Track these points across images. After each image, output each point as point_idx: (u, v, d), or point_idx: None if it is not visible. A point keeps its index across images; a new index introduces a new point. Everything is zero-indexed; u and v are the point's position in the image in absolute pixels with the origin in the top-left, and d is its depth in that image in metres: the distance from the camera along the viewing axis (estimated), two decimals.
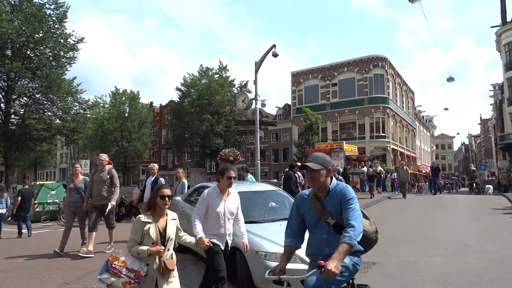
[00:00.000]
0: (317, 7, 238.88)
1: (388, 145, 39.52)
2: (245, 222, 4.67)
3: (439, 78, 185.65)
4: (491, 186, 24.12)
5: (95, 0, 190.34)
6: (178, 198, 7.87)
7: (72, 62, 23.86)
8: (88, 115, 31.37)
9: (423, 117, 64.81)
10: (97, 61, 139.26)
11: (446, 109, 63.63)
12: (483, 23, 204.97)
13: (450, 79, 25.64)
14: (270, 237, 4.77)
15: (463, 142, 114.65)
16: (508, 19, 35.55)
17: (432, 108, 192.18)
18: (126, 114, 43.89)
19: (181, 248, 6.54)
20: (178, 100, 40.71)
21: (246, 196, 5.99)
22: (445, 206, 15.29)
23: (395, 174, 22.60)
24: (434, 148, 80.00)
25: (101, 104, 44.10)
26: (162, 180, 9.45)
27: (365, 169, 21.43)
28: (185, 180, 9.49)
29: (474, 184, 21.82)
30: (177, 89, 39.56)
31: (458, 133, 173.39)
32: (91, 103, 29.87)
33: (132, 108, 44.21)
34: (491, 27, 38.07)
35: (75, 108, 24.98)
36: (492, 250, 7.15)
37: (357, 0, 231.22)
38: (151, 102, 56.96)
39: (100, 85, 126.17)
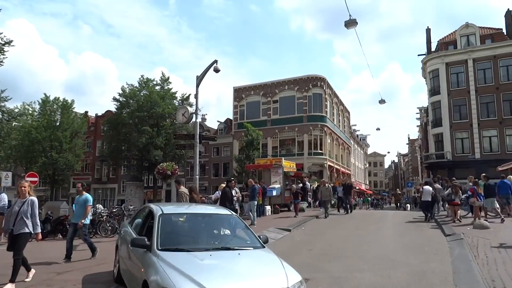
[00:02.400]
0: (258, 26, 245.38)
1: (325, 161, 41.03)
2: (171, 250, 4.37)
3: (371, 99, 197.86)
4: (408, 205, 32.43)
5: (27, 1, 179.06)
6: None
7: None
8: (14, 123, 29.02)
9: (357, 135, 68.35)
10: (25, 65, 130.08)
11: (378, 129, 68.42)
12: (409, 50, 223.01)
13: (382, 101, 27.28)
14: (192, 272, 3.76)
15: (393, 160, 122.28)
16: (433, 49, 39.04)
17: (365, 128, 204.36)
18: (57, 123, 41.21)
19: None
20: (116, 110, 39.13)
21: (186, 218, 5.51)
22: (376, 222, 16.09)
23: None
24: (367, 165, 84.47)
25: (29, 112, 41.02)
26: (90, 198, 9.03)
27: (308, 185, 22.08)
28: (34, 198, 6.54)
29: (399, 203, 32.83)
30: (115, 99, 38.06)
31: (388, 152, 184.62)
32: (17, 111, 27.67)
33: (64, 117, 41.64)
34: (418, 55, 41.58)
35: None
36: (416, 264, 7.60)
37: (295, 22, 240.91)
38: (86, 112, 54.13)
39: (29, 91, 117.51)
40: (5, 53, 22.11)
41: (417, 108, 53.32)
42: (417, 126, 61.97)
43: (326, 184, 18.69)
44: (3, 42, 21.91)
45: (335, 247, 10.08)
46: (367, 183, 78.22)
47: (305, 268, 7.59)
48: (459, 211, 13.75)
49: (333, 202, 21.46)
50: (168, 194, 48.91)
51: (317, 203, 21.87)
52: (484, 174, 14.67)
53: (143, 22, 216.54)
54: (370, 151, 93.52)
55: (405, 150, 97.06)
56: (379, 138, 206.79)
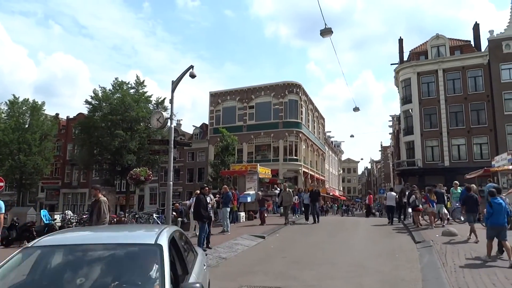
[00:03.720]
0: (234, 31, 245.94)
1: (300, 168, 41.35)
2: None
3: (345, 106, 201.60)
4: (377, 213, 33.14)
5: None
6: None
7: None
8: None
9: (332, 142, 69.30)
10: None
11: (352, 136, 69.39)
12: (381, 59, 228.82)
13: (356, 109, 27.75)
14: None
15: (366, 167, 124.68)
16: (405, 59, 40.17)
17: (340, 134, 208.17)
18: (26, 125, 39.86)
19: None
20: (88, 113, 38.16)
21: (67, 254, 3.29)
22: (348, 229, 16.29)
23: (296, 197, 20.61)
24: (341, 171, 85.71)
25: None
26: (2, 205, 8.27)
27: (277, 191, 21.93)
28: None
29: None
30: (87, 102, 37.11)
31: (362, 159, 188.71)
32: None
33: (33, 119, 40.31)
34: (391, 64, 42.73)
35: None
36: (387, 271, 7.72)
37: (270, 28, 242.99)
38: (57, 114, 52.62)
39: None
40: None
41: (390, 115, 54.70)
42: (390, 133, 63.51)
43: (287, 189, 17.79)
44: None
45: (308, 254, 10.12)
46: (341, 189, 79.33)
47: (278, 276, 7.58)
48: (420, 217, 14.63)
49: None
50: (141, 200, 48.08)
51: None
52: (456, 181, 15.34)
53: (118, 24, 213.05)
54: (344, 157, 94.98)
55: (378, 157, 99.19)
56: (353, 144, 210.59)
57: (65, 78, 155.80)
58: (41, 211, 16.83)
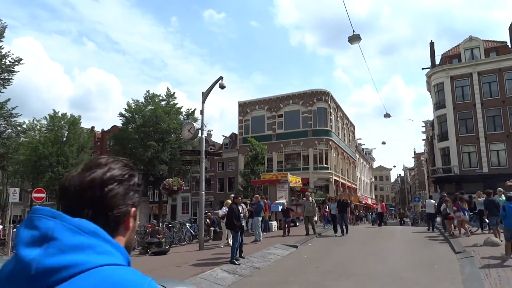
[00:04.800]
0: (260, 42, 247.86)
1: (331, 176, 40.83)
2: None
3: (374, 113, 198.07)
4: (409, 220, 36.34)
5: (33, 19, 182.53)
6: None
7: (6, 84, 22.36)
8: (22, 139, 29.30)
9: (362, 149, 68.11)
10: (32, 82, 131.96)
11: (383, 143, 67.92)
12: (411, 64, 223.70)
13: (387, 115, 27.19)
14: None
15: (399, 174, 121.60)
16: (437, 62, 39.14)
17: (370, 141, 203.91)
18: (64, 139, 41.53)
19: None
20: (122, 125, 39.40)
21: None
22: (384, 238, 15.90)
23: (327, 206, 19.88)
24: (373, 179, 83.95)
25: (37, 128, 41.45)
26: None
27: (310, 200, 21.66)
28: None
29: (402, 220, 36.23)
30: (121, 114, 38.37)
31: (394, 166, 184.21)
32: (25, 126, 27.98)
33: (71, 132, 41.98)
34: (422, 68, 41.75)
35: (7, 131, 23.25)
36: (426, 283, 7.46)
37: (295, 37, 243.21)
38: (93, 127, 54.59)
39: (35, 107, 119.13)
40: (15, 72, 22.49)
41: (423, 121, 53.20)
42: (423, 139, 61.75)
43: (310, 198, 16.94)
44: (13, 61, 22.31)
45: (343, 264, 9.95)
46: (374, 197, 77.61)
47: (313, 286, 7.50)
48: (466, 225, 14.15)
49: (315, 219, 20.59)
50: (173, 209, 48.86)
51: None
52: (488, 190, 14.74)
53: (148, 38, 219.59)
54: (375, 165, 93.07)
55: (411, 164, 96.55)
56: (385, 152, 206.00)
57: (99, 92, 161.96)
58: None
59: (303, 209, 16.87)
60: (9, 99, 23.27)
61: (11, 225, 19.47)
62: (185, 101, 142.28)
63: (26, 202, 47.93)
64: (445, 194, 16.50)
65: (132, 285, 0.76)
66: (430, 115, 55.70)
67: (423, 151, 69.52)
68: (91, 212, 0.85)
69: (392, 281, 7.69)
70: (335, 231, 16.86)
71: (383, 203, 29.29)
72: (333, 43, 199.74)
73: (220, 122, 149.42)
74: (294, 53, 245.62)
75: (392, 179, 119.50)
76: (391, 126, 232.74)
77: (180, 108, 39.02)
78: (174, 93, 39.30)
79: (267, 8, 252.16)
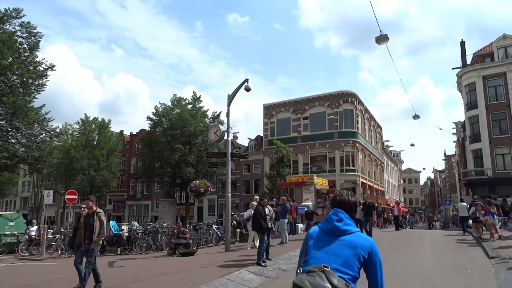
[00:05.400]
0: (284, 44, 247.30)
1: (358, 178, 40.24)
2: None
3: (402, 114, 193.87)
4: (439, 224, 35.63)
5: (65, 28, 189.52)
6: None
7: (40, 89, 23.33)
8: (55, 143, 30.42)
9: (390, 151, 66.79)
10: (63, 88, 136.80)
11: (412, 144, 65.91)
12: (440, 64, 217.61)
13: (416, 117, 26.60)
14: None
15: (429, 177, 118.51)
16: (468, 62, 37.94)
17: (398, 143, 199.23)
18: (95, 142, 42.86)
19: None
20: (150, 129, 40.27)
21: None
22: (412, 242, 15.53)
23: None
24: (402, 182, 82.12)
25: (70, 132, 42.98)
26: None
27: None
28: None
29: (431, 224, 35.09)
30: (149, 118, 39.21)
31: (424, 168, 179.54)
32: (58, 131, 29.05)
33: (101, 136, 43.27)
34: (453, 68, 40.46)
35: (42, 136, 24.21)
36: None
37: (320, 39, 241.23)
38: (121, 131, 56.04)
39: (67, 112, 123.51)
40: (48, 77, 23.43)
41: (453, 122, 51.59)
42: (454, 141, 59.89)
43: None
44: (46, 67, 23.24)
45: None
46: (402, 200, 75.89)
47: None
48: (480, 229, 14.55)
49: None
50: (200, 211, 49.40)
51: None
52: None
53: (174, 43, 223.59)
54: (404, 167, 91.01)
55: (441, 166, 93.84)
56: (414, 154, 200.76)
57: (127, 96, 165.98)
58: (110, 221, 17.89)
59: (327, 212, 16.29)
60: (43, 105, 24.26)
61: (46, 225, 20.24)
62: (211, 104, 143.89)
63: (59, 203, 49.66)
64: (476, 197, 16.09)
65: (369, 239, 2.32)
66: (461, 116, 54.12)
67: (454, 153, 67.46)
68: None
69: (423, 286, 7.51)
70: None
71: (400, 206, 27.58)
72: (358, 44, 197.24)
73: (245, 125, 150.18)
74: (318, 55, 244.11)
75: (422, 182, 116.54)
76: (420, 127, 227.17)
77: (206, 111, 39.49)
78: (199, 96, 39.85)
79: (291, 10, 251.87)
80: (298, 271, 2.25)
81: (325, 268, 2.12)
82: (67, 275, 10.11)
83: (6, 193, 52.92)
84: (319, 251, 2.26)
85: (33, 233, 19.43)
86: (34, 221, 22.45)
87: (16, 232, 17.09)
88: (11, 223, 17.55)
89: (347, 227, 2.29)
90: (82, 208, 8.01)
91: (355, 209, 2.54)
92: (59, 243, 16.89)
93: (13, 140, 23.69)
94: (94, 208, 7.54)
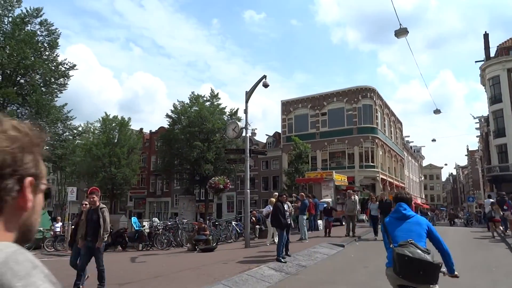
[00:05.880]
0: (301, 40, 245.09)
1: (377, 174, 39.73)
2: None
3: (422, 109, 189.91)
4: (461, 221, 35.80)
5: (85, 28, 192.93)
6: None
7: (63, 89, 23.88)
8: (78, 141, 31.08)
9: (411, 147, 65.65)
10: (84, 87, 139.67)
11: (433, 140, 64.62)
12: (462, 57, 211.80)
13: (437, 111, 26.02)
14: None
15: (451, 173, 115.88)
16: (491, 55, 36.88)
17: (419, 139, 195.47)
18: (115, 140, 43.57)
19: None
20: (168, 126, 40.69)
21: None
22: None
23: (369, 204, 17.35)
24: (423, 178, 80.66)
25: (91, 130, 43.83)
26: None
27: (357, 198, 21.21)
28: None
29: (453, 221, 36.03)
30: (167, 116, 39.63)
31: (446, 164, 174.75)
32: (81, 129, 29.68)
33: (121, 134, 43.96)
34: (476, 61, 39.48)
35: (65, 134, 24.80)
36: (483, 286, 7.10)
37: (337, 34, 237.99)
38: (141, 129, 56.82)
39: (87, 111, 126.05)
40: (70, 77, 23.97)
41: (476, 117, 50.24)
42: (477, 136, 58.34)
43: (352, 197, 15.78)
44: (68, 67, 23.77)
45: None
46: (423, 197, 74.60)
47: (361, 286, 7.37)
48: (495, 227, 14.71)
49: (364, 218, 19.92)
50: (219, 207, 49.73)
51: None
52: None
53: (192, 41, 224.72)
54: (425, 163, 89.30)
55: (464, 162, 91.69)
56: (435, 149, 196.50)
57: (146, 95, 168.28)
58: (132, 218, 18.24)
59: (345, 208, 16.16)
60: (65, 104, 24.81)
61: (70, 222, 20.75)
62: (228, 101, 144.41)
63: (82, 200, 50.70)
64: (504, 193, 15.83)
65: (425, 219, 3.74)
66: (484, 110, 52.76)
67: (477, 148, 65.78)
68: None
69: (447, 283, 7.37)
70: (375, 233, 14.89)
71: (413, 203, 27.17)
72: (376, 39, 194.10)
73: (263, 122, 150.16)
74: (336, 50, 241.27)
75: (443, 178, 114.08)
76: (441, 122, 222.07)
77: (223, 108, 39.63)
78: (217, 93, 40.01)
79: (307, 6, 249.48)
80: (392, 246, 3.41)
81: (411, 241, 3.27)
82: (91, 269, 10.36)
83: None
84: (398, 231, 3.52)
85: (58, 229, 19.98)
86: (59, 217, 23.07)
87: (41, 229, 17.55)
88: None
89: (410, 213, 3.63)
90: (84, 205, 7.61)
91: (411, 201, 3.87)
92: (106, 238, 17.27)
93: None
94: (98, 203, 7.10)
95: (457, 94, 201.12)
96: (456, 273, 3.52)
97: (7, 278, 0.64)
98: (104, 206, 7.14)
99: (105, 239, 6.97)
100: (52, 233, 19.57)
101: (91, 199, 7.09)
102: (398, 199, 3.77)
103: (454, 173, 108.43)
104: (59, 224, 20.62)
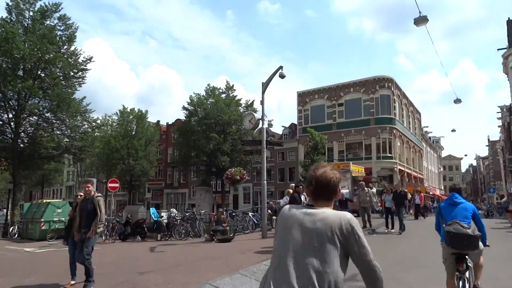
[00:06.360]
0: (316, 30, 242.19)
1: (395, 165, 39.27)
2: None
3: (441, 99, 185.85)
4: (482, 212, 35.25)
5: (100, 21, 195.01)
6: None
7: (81, 82, 24.29)
8: (96, 133, 31.63)
9: (429, 138, 64.55)
10: (101, 80, 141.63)
11: (453, 130, 63.06)
12: (482, 46, 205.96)
13: (457, 101, 25.41)
14: None
15: (471, 164, 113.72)
16: None
17: (438, 129, 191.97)
18: (133, 132, 44.20)
19: None
20: (185, 119, 41.02)
21: None
22: None
23: (383, 196, 17.14)
24: (442, 169, 79.32)
25: (109, 123, 44.52)
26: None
27: (374, 190, 20.97)
28: None
29: None
30: (184, 108, 39.92)
31: (466, 155, 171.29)
32: (99, 122, 30.16)
33: (139, 126, 44.55)
34: (498, 49, 38.20)
35: (84, 127, 25.27)
36: (504, 277, 6.99)
37: (353, 23, 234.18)
38: (158, 121, 57.38)
39: (105, 104, 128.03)
40: (88, 70, 24.33)
41: (498, 107, 48.90)
42: (499, 126, 56.89)
43: (366, 188, 15.35)
44: (85, 59, 24.12)
45: (413, 256, 9.60)
46: (442, 188, 73.44)
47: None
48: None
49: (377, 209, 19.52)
50: (235, 199, 50.07)
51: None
52: None
53: (207, 34, 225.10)
54: (444, 154, 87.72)
55: (484, 152, 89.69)
56: (454, 140, 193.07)
57: (162, 87, 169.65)
58: (150, 209, 18.54)
59: (358, 199, 15.54)
60: (84, 97, 25.27)
61: None
62: (243, 93, 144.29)
63: (102, 192, 51.55)
64: None
65: (472, 205, 4.91)
66: (506, 99, 51.35)
67: (498, 138, 64.19)
68: None
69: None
70: (387, 226, 14.65)
71: (422, 194, 24.91)
72: (393, 28, 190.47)
73: (279, 113, 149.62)
74: (352, 40, 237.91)
75: (463, 169, 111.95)
76: (461, 112, 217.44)
77: (239, 100, 39.68)
78: (233, 85, 40.06)
79: None
80: (443, 226, 4.56)
81: (456, 220, 4.43)
82: (112, 258, 10.61)
83: (52, 182, 55.82)
84: (449, 214, 4.64)
85: None
86: None
87: (63, 219, 17.98)
88: (59, 210, 18.52)
89: (460, 200, 4.73)
90: (79, 196, 7.03)
91: (461, 191, 4.96)
92: (104, 229, 17.68)
93: (58, 132, 24.92)
94: (93, 193, 6.57)
95: (477, 83, 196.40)
96: (487, 244, 4.87)
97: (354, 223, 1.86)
98: (100, 195, 6.65)
99: (100, 229, 6.37)
100: None
101: (86, 189, 6.55)
102: (452, 189, 4.97)
103: (474, 164, 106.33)
104: None
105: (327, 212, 1.88)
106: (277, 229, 2.09)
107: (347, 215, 1.90)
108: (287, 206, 2.14)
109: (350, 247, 1.85)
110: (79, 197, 6.95)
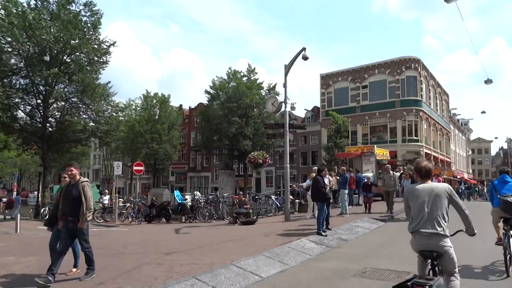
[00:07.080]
0: (340, 12, 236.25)
1: (421, 149, 38.38)
2: None
3: (470, 80, 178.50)
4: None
5: (123, 6, 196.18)
6: None
7: (105, 66, 24.65)
8: (121, 118, 32.21)
9: (458, 120, 62.66)
10: (123, 65, 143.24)
11: (483, 112, 60.78)
12: None
13: (489, 81, 24.45)
14: None
15: (502, 147, 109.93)
16: None
17: (467, 111, 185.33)
18: (157, 117, 44.77)
19: None
20: (207, 102, 41.15)
21: None
22: (481, 216, 14.61)
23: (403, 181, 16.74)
24: (470, 152, 77.12)
25: (133, 107, 45.20)
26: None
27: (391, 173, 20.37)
28: None
29: None
30: (206, 92, 40.03)
31: (496, 137, 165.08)
32: (122, 105, 30.64)
33: (162, 110, 45.06)
34: None
35: (108, 111, 25.75)
36: None
37: (377, 3, 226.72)
38: (181, 105, 57.87)
39: (127, 88, 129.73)
40: (111, 54, 24.64)
41: None
42: None
43: (391, 172, 14.82)
44: (108, 44, 24.40)
45: None
46: (470, 172, 71.54)
47: (405, 260, 7.22)
48: None
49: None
50: (258, 182, 50.34)
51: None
52: None
53: (229, 17, 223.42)
54: (473, 136, 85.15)
55: None
56: (484, 122, 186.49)
57: (183, 72, 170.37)
58: (175, 191, 18.85)
59: (383, 183, 15.02)
60: (109, 82, 25.70)
61: (117, 195, 21.89)
62: (265, 76, 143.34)
63: (127, 175, 53.08)
64: None
65: None
66: None
67: None
68: None
69: (494, 259, 7.10)
70: (390, 210, 14.26)
71: (440, 178, 24.37)
72: (420, 6, 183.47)
73: (300, 96, 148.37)
74: (376, 20, 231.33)
75: (493, 152, 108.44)
76: (491, 94, 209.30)
77: (261, 83, 39.42)
78: (254, 68, 39.76)
79: None
80: (498, 196, 6.44)
81: (509, 194, 6.24)
82: (139, 239, 10.86)
83: (80, 165, 57.54)
84: (502, 189, 6.54)
85: (106, 202, 21.11)
86: (106, 191, 24.33)
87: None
88: None
89: (509, 179, 6.62)
90: (63, 178, 6.40)
91: (509, 172, 6.79)
92: (130, 211, 18.17)
93: (84, 116, 25.53)
94: (78, 177, 6.01)
95: (509, 63, 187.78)
96: None
97: (451, 188, 3.86)
98: (86, 180, 6.12)
99: (90, 218, 5.90)
100: (101, 205, 20.73)
101: (69, 172, 5.97)
102: (502, 172, 6.94)
103: (505, 146, 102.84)
104: (107, 197, 21.76)
105: (435, 184, 3.84)
106: (408, 197, 3.88)
107: (446, 184, 3.90)
108: (411, 184, 4.13)
109: (451, 200, 3.74)
110: (63, 179, 6.37)
